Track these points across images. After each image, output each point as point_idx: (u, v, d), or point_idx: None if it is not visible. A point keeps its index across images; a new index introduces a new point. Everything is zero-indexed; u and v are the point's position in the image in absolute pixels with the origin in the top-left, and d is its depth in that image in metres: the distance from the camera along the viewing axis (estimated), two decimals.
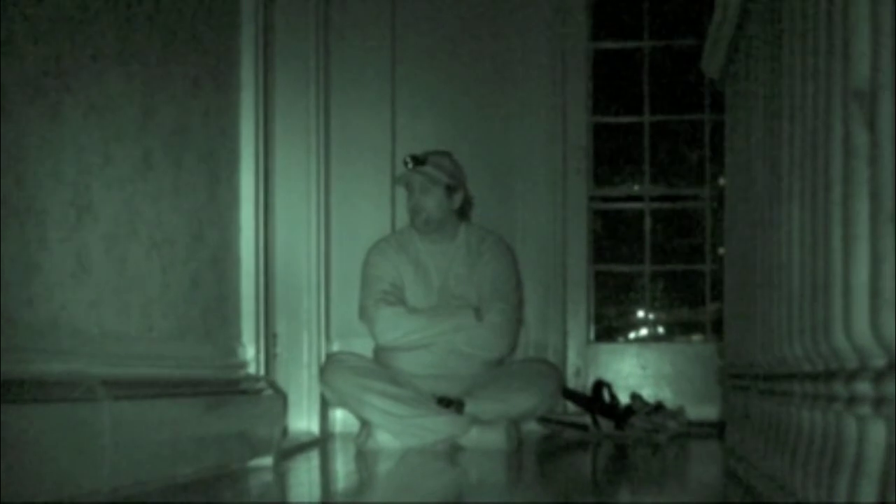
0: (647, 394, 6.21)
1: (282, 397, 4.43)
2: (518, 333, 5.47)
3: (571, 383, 6.32)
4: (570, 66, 6.55)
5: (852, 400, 1.55)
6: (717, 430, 5.37)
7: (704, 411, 5.99)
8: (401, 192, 5.70)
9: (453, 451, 4.86)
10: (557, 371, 5.64)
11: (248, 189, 4.42)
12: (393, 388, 5.00)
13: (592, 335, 6.67)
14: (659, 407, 5.83)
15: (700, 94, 6.62)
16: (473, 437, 4.94)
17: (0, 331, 2.60)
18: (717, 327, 6.16)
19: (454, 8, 6.46)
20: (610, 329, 6.89)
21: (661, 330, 6.96)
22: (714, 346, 6.30)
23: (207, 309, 4.02)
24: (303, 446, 4.98)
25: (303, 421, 5.43)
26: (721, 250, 3.63)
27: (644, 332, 6.95)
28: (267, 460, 4.06)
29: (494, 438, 4.96)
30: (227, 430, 3.80)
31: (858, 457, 1.53)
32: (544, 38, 6.48)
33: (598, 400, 5.91)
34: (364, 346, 5.42)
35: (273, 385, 4.50)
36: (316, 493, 3.69)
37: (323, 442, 5.39)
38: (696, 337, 6.81)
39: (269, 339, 4.76)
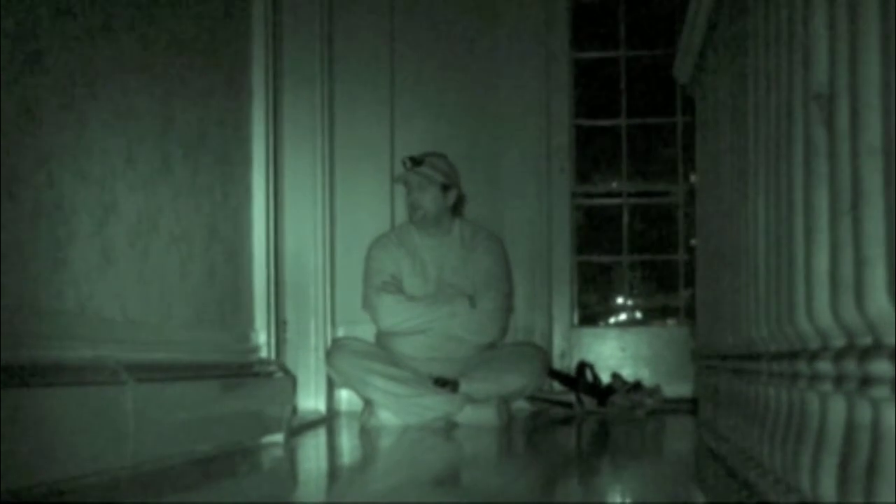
0: (627, 373, 6.21)
1: (291, 379, 4.43)
2: (508, 319, 5.47)
3: (557, 364, 6.32)
4: (553, 74, 6.54)
5: (814, 378, 1.55)
6: (690, 406, 5.37)
7: (679, 389, 5.99)
8: (400, 191, 5.70)
9: (449, 428, 4.86)
10: (544, 353, 5.64)
11: (260, 188, 4.41)
12: (393, 370, 5.00)
13: (576, 320, 6.66)
14: (637, 385, 5.83)
15: (672, 98, 6.61)
16: (467, 414, 4.94)
17: (32, 319, 2.60)
18: (690, 312, 6.16)
19: (448, 22, 6.45)
20: (592, 314, 6.89)
21: (638, 315, 6.95)
22: (687, 329, 6.30)
23: (222, 298, 4.02)
24: (311, 424, 4.98)
25: (311, 400, 5.43)
26: (693, 241, 3.63)
27: (623, 316, 6.94)
28: (278, 437, 4.06)
29: (487, 415, 4.96)
30: (242, 409, 3.80)
31: (820, 430, 1.52)
32: (531, 49, 6.47)
33: (581, 379, 5.91)
34: (367, 332, 5.42)
35: (283, 368, 4.50)
36: (323, 467, 3.69)
37: (329, 420, 5.39)
38: (671, 321, 6.80)
39: (279, 325, 4.76)
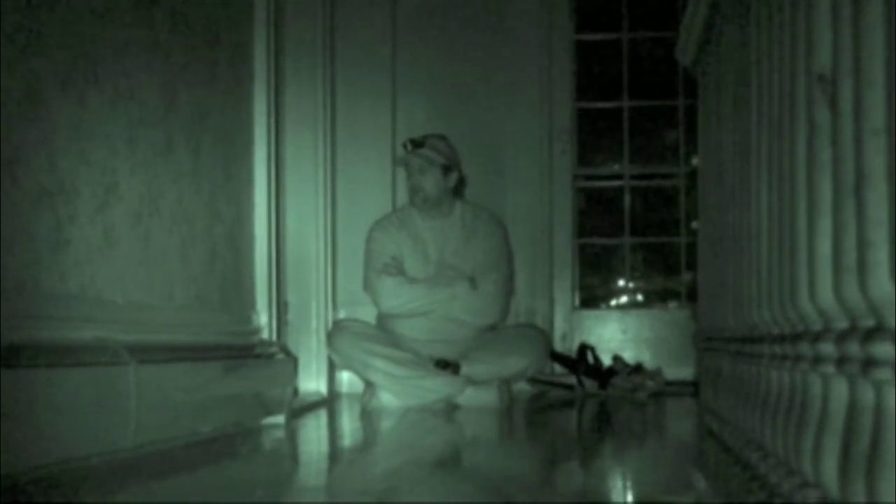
0: (628, 356, 6.21)
1: (292, 361, 4.43)
2: (509, 301, 5.48)
3: (558, 347, 6.33)
4: (555, 57, 6.54)
5: (817, 360, 1.55)
6: (691, 388, 5.37)
7: (680, 372, 5.99)
8: (401, 173, 5.69)
9: (450, 410, 4.87)
10: (545, 335, 5.65)
11: (261, 170, 4.41)
12: (395, 352, 5.00)
13: (577, 302, 6.67)
14: (638, 368, 5.83)
15: (674, 80, 6.61)
16: (469, 396, 4.95)
17: (34, 301, 2.60)
18: (692, 294, 6.17)
19: (450, 4, 6.45)
20: (593, 297, 6.89)
21: (640, 297, 6.96)
22: (689, 311, 6.31)
23: (224, 280, 4.01)
24: (312, 405, 4.98)
25: (312, 382, 5.44)
26: (694, 224, 3.63)
27: (625, 299, 6.95)
28: (279, 418, 4.06)
29: (488, 397, 4.96)
30: (243, 391, 3.80)
31: (823, 412, 1.52)
32: (532, 31, 6.47)
33: (582, 362, 5.92)
34: (368, 314, 5.43)
35: (284, 349, 4.50)
36: (324, 449, 3.70)
37: (330, 401, 5.40)
38: (673, 303, 6.81)
39: (280, 307, 4.76)
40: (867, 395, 1.33)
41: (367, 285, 5.28)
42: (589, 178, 6.80)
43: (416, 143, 5.23)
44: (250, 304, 4.34)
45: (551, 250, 6.47)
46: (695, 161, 3.61)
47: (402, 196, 5.81)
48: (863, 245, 1.33)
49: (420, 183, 5.21)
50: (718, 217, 2.98)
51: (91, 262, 2.91)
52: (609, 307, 6.87)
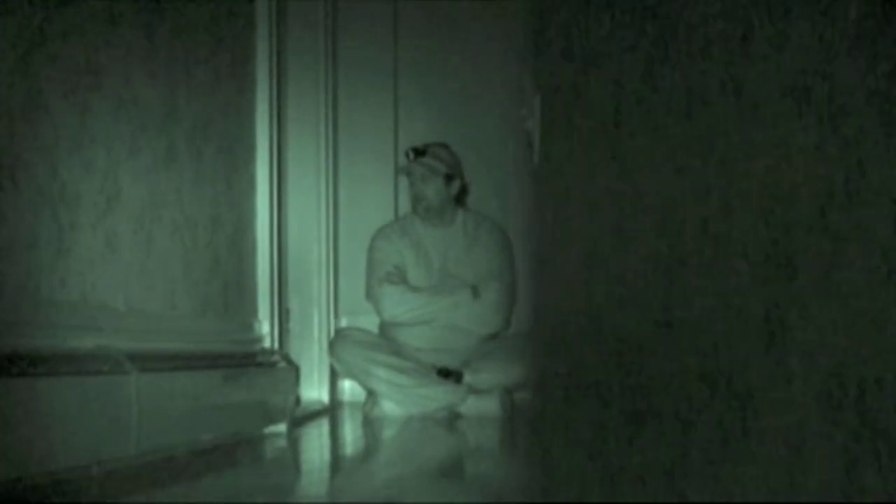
0: None
1: (294, 369, 4.42)
2: (512, 310, 5.47)
3: None
4: None
5: None
6: None
7: None
8: (403, 180, 5.69)
9: (452, 418, 4.87)
10: None
11: (263, 177, 4.41)
12: (397, 361, 4.99)
13: None
14: None
15: None
16: (471, 405, 4.94)
17: (35, 308, 2.59)
18: None
19: (451, 12, 6.44)
20: None
21: None
22: None
23: (226, 287, 4.01)
24: (314, 414, 4.98)
25: (314, 391, 5.43)
26: None
27: None
28: (281, 427, 4.06)
29: (490, 406, 4.95)
30: (245, 399, 3.80)
31: None
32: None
33: None
34: (370, 322, 5.42)
35: (286, 358, 4.49)
36: (326, 458, 3.69)
37: (332, 410, 5.39)
38: None
39: (282, 315, 4.76)
40: None
41: (370, 294, 5.28)
42: None
43: (419, 152, 5.23)
44: (252, 312, 4.33)
45: None
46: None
47: (405, 203, 5.80)
48: None
49: (422, 191, 5.21)
50: None
51: (92, 270, 2.91)
52: None
